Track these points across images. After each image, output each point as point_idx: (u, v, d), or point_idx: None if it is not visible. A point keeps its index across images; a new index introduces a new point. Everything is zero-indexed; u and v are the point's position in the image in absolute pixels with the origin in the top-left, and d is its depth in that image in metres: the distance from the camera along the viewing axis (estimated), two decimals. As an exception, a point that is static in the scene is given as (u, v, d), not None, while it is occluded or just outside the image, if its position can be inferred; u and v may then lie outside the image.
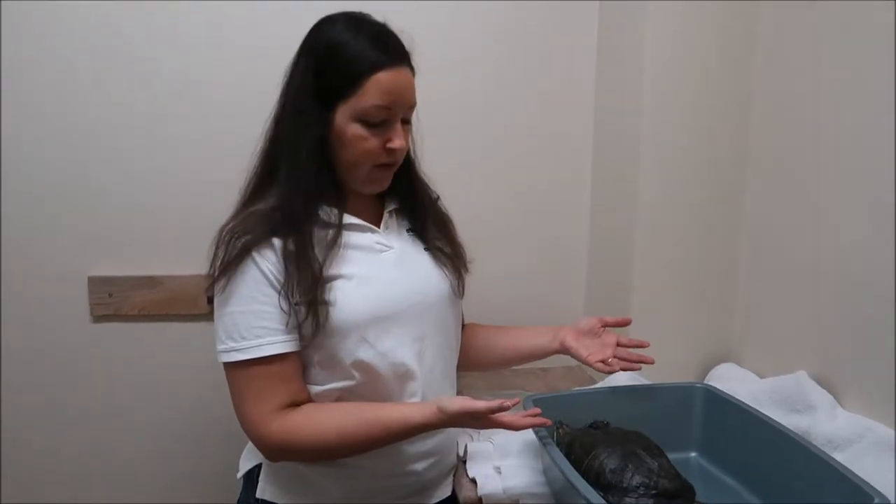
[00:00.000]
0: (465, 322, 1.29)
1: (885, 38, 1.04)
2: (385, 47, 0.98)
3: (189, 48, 1.42)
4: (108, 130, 1.42)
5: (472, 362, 1.25)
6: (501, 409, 0.90)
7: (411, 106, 1.02)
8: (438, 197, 1.20)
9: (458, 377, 1.17)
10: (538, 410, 0.95)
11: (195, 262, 1.44)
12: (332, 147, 1.01)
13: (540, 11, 1.54)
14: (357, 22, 1.01)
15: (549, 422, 0.95)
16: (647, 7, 1.33)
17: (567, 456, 0.97)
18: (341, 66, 0.97)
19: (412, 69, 1.02)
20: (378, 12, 1.04)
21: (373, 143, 0.99)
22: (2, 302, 1.45)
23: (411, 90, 1.01)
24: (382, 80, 0.96)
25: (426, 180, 1.17)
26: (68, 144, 1.41)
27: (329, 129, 0.99)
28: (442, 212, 1.19)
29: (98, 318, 1.48)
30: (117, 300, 1.47)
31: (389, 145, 0.99)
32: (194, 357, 1.51)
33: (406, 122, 1.03)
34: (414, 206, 1.13)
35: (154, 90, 1.42)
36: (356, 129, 0.98)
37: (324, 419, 0.97)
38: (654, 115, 1.36)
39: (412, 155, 1.13)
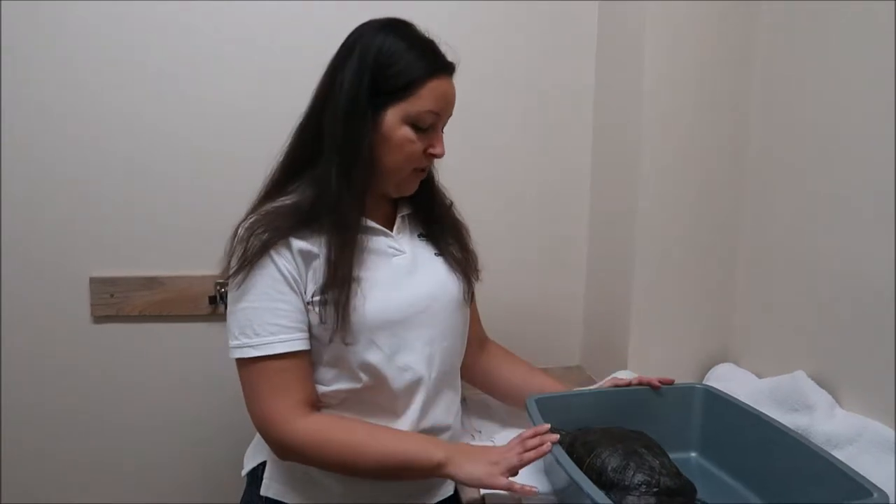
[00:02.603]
0: (489, 340, 1.31)
1: (885, 39, 1.05)
2: (439, 56, 1.02)
3: (192, 50, 1.42)
4: (109, 131, 1.42)
5: (493, 393, 1.29)
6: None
7: (450, 115, 1.05)
8: (452, 203, 1.20)
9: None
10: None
11: (197, 262, 1.47)
12: (376, 150, 1.01)
13: (539, 10, 1.55)
14: (405, 28, 1.02)
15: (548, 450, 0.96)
16: (646, 7, 1.34)
17: (569, 455, 0.98)
18: (398, 70, 0.98)
19: None
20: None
21: (418, 146, 1.01)
22: (3, 302, 1.45)
23: (454, 101, 1.05)
24: (438, 87, 1.00)
25: (442, 187, 1.18)
26: (69, 145, 1.42)
27: (376, 131, 0.99)
28: (456, 218, 1.20)
29: (99, 319, 1.48)
30: (118, 301, 1.47)
31: (431, 150, 1.02)
32: (196, 357, 1.51)
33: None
34: (427, 212, 1.15)
35: (156, 91, 1.42)
36: (406, 132, 1.00)
37: (342, 429, 0.98)
38: (654, 113, 1.36)
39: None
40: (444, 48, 1.04)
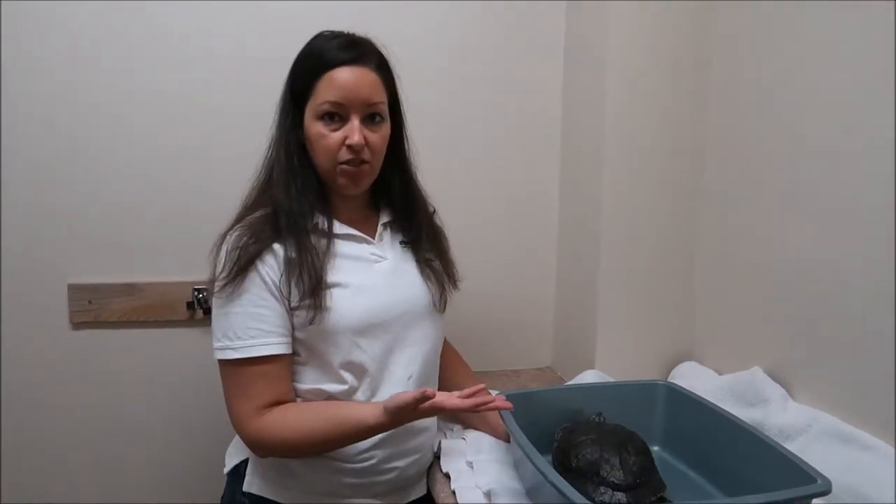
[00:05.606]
0: (448, 340, 1.33)
1: (845, 40, 1.09)
2: (344, 48, 1.04)
3: (180, 56, 1.44)
4: (89, 139, 1.43)
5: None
6: (424, 398, 0.93)
7: (370, 104, 1.05)
8: (435, 210, 1.24)
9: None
10: (483, 389, 1.00)
11: (174, 269, 1.49)
12: (310, 153, 1.07)
13: (507, 14, 1.58)
14: (332, 33, 1.08)
15: (494, 402, 0.97)
16: (607, 8, 1.38)
17: (555, 448, 1.02)
18: (305, 69, 1.06)
19: (380, 72, 1.07)
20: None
21: (331, 140, 1.04)
22: (-19, 309, 1.45)
23: (369, 88, 1.05)
24: (334, 77, 1.03)
25: (424, 194, 1.21)
26: (48, 152, 1.42)
27: (305, 135, 1.07)
28: (437, 226, 1.24)
29: (77, 325, 1.49)
30: (97, 307, 1.48)
31: (347, 142, 1.04)
32: (174, 363, 1.53)
33: (373, 121, 1.06)
34: (408, 220, 1.18)
35: (136, 100, 1.44)
36: (317, 128, 1.05)
37: (291, 417, 1.02)
38: (616, 120, 1.41)
39: (410, 168, 1.18)
40: (381, 48, 1.09)
